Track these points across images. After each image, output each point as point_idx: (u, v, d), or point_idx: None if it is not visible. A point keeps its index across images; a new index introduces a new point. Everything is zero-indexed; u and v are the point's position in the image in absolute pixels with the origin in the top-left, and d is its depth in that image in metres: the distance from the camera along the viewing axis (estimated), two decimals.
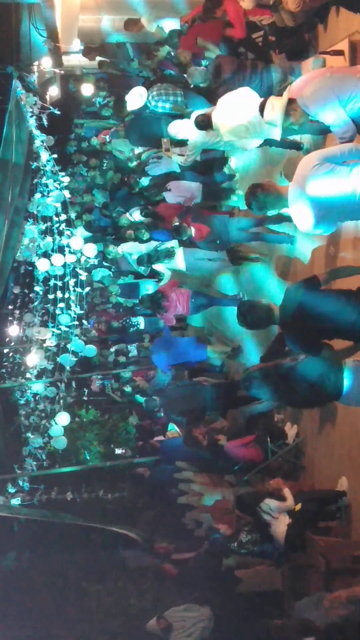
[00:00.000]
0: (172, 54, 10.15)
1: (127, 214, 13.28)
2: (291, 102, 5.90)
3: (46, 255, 11.79)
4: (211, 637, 8.04)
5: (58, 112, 10.75)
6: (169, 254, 11.00)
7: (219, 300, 11.48)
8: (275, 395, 5.85)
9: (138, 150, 12.21)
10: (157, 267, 11.37)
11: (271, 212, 5.78)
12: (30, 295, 14.14)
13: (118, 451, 14.02)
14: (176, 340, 11.74)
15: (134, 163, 12.83)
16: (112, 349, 15.89)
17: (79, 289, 11.89)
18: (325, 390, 5.39)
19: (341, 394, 5.37)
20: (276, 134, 6.87)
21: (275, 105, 6.03)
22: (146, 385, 13.24)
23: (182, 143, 9.62)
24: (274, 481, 8.08)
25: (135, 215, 12.80)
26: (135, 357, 15.77)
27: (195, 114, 8.69)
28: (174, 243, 11.44)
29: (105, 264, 14.69)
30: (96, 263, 13.77)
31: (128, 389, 14.91)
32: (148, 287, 13.75)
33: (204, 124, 8.08)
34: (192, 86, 9.37)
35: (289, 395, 5.65)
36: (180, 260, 10.94)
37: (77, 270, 11.71)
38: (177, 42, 9.87)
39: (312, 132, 7.51)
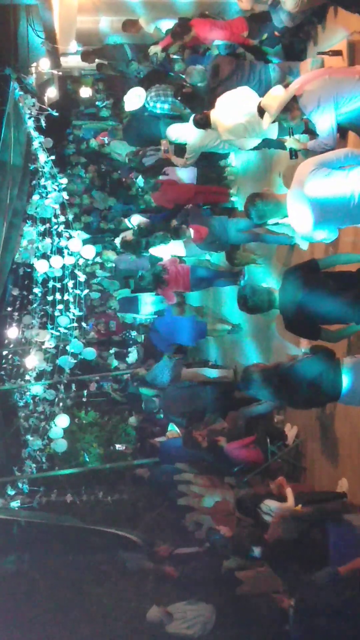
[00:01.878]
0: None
1: (126, 220, 13.26)
2: (295, 98, 5.90)
3: (45, 256, 11.79)
4: (212, 635, 8.03)
5: (56, 114, 10.74)
6: (165, 238, 11.02)
7: (219, 273, 11.39)
8: (274, 395, 5.84)
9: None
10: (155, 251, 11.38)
11: (271, 221, 5.81)
12: (29, 297, 14.13)
13: (119, 447, 14.00)
14: (176, 320, 11.72)
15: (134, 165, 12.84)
16: (112, 351, 15.90)
17: (77, 291, 11.89)
18: (325, 390, 5.38)
19: (340, 394, 5.36)
20: (272, 132, 6.86)
21: (279, 96, 6.01)
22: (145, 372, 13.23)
23: (181, 147, 9.62)
24: (277, 480, 8.07)
25: (134, 219, 12.78)
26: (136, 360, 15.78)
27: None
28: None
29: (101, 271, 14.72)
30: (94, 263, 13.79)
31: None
32: (147, 300, 13.73)
33: (203, 122, 8.08)
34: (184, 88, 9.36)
35: (289, 395, 5.65)
36: (179, 248, 10.95)
37: (76, 272, 11.71)
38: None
39: (309, 133, 7.52)
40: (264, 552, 6.46)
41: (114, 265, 14.35)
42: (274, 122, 6.30)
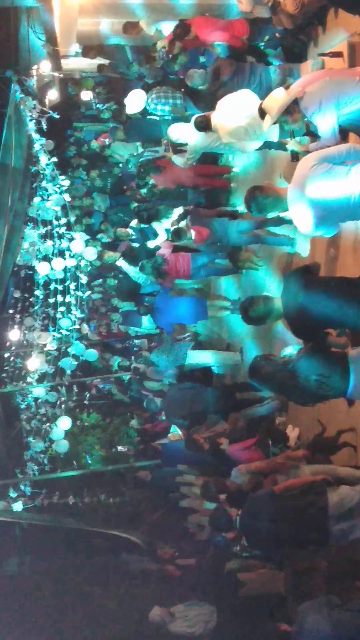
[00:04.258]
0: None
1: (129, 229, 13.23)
2: (296, 101, 5.88)
3: (46, 259, 11.80)
4: (214, 634, 8.04)
5: (57, 116, 10.75)
6: (167, 212, 11.00)
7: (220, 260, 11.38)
8: (279, 388, 5.81)
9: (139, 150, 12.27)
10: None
11: (271, 215, 5.79)
12: (31, 299, 14.14)
13: (121, 448, 14.00)
14: (177, 299, 11.69)
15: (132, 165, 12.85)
16: (114, 359, 15.87)
17: (79, 293, 11.89)
18: (332, 385, 5.34)
19: (348, 388, 5.31)
20: (273, 134, 6.85)
21: (280, 99, 5.98)
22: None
23: (181, 146, 9.63)
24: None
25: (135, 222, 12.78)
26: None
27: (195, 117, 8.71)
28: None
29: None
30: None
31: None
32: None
33: (203, 125, 8.07)
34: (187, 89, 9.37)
35: (295, 390, 5.59)
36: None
37: (78, 273, 11.72)
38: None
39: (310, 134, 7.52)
40: (228, 498, 7.58)
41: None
42: (274, 124, 6.29)
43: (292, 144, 6.60)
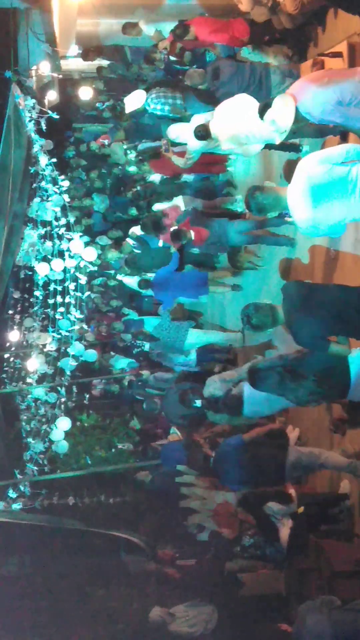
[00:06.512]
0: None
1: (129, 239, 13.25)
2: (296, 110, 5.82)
3: (46, 259, 11.80)
4: (214, 633, 8.05)
5: (57, 117, 10.75)
6: (167, 197, 11.01)
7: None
8: (280, 390, 5.82)
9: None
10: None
11: (271, 214, 5.78)
12: (30, 300, 14.13)
13: (121, 446, 13.98)
14: (179, 274, 11.68)
15: (132, 167, 12.86)
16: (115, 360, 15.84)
17: (78, 293, 11.88)
18: (332, 384, 5.35)
19: (349, 387, 5.31)
20: (276, 139, 6.85)
21: (290, 106, 5.90)
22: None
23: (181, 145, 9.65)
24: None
25: (137, 229, 12.75)
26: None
27: (195, 117, 8.70)
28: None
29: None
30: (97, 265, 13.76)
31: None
32: (153, 324, 13.67)
33: (202, 134, 8.08)
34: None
35: (295, 390, 5.61)
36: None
37: (77, 274, 11.72)
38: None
39: (311, 135, 7.51)
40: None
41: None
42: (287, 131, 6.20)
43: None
